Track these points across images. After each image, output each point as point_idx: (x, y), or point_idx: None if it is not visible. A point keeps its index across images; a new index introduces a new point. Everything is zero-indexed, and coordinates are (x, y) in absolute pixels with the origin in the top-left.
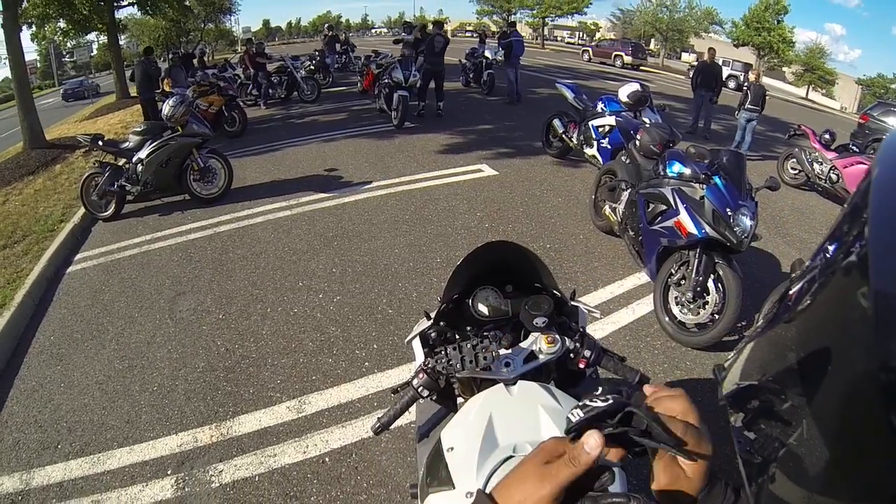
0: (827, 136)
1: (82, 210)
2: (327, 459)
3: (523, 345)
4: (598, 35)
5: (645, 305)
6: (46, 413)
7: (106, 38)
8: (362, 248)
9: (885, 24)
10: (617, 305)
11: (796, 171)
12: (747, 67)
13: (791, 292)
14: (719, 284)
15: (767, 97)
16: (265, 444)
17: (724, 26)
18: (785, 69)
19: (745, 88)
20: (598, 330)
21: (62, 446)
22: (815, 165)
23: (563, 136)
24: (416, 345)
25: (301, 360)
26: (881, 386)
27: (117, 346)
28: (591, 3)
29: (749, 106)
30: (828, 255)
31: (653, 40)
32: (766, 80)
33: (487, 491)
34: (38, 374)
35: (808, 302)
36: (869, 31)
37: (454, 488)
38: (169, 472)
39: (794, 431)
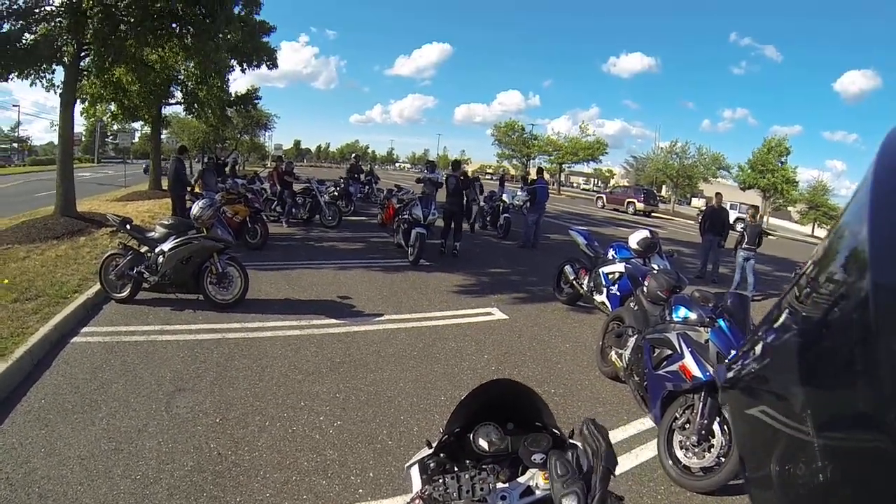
0: None
1: (98, 286)
2: None
3: (521, 480)
4: (612, 181)
5: (649, 450)
6: (20, 474)
7: (149, 129)
8: (368, 377)
9: None
10: (620, 450)
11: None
12: (754, 210)
13: (791, 292)
14: (725, 427)
15: (773, 237)
16: None
17: (730, 171)
18: (790, 208)
19: (741, 228)
20: None
21: None
22: None
23: (574, 282)
24: (415, 472)
25: (294, 478)
26: (881, 384)
27: (107, 427)
28: (606, 152)
29: (746, 245)
30: (828, 254)
31: (664, 186)
32: (772, 221)
33: None
34: (21, 433)
35: (808, 301)
36: (868, 164)
37: None
38: None
39: (794, 431)
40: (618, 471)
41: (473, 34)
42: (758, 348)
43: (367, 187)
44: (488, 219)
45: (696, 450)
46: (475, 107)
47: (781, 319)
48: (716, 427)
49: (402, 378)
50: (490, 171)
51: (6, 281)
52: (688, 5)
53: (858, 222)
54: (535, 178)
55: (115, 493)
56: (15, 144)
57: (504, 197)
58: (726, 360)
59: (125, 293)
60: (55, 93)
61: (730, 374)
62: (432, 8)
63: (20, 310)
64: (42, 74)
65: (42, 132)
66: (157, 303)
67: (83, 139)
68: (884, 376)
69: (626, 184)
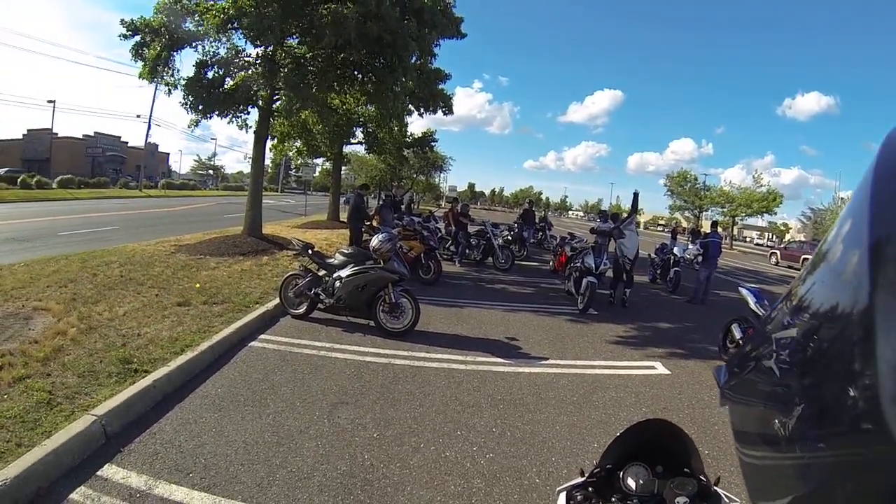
0: None
1: (277, 301)
2: None
3: None
4: (787, 236)
5: None
6: (191, 444)
7: (330, 164)
8: (525, 417)
9: None
10: None
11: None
12: None
13: (793, 290)
14: None
15: None
16: None
17: None
18: None
19: None
20: None
21: (193, 476)
22: None
23: (741, 342)
24: (562, 498)
25: (438, 498)
26: (881, 387)
27: (272, 422)
28: (781, 203)
29: None
30: (828, 253)
31: None
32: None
33: None
34: (197, 412)
35: (808, 299)
36: None
37: None
38: None
39: (793, 428)
40: None
41: (645, 81)
42: (758, 346)
43: (540, 233)
44: (658, 271)
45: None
46: (647, 155)
47: (783, 319)
48: None
49: (559, 422)
50: (662, 222)
51: (198, 285)
52: (863, 36)
53: (859, 222)
54: (709, 231)
55: (270, 479)
56: (210, 171)
57: (675, 250)
58: (725, 362)
59: (301, 310)
60: (247, 131)
61: (730, 376)
62: (602, 58)
63: (208, 312)
64: (238, 115)
65: (233, 162)
66: (330, 323)
67: (269, 170)
68: (883, 376)
69: (803, 238)
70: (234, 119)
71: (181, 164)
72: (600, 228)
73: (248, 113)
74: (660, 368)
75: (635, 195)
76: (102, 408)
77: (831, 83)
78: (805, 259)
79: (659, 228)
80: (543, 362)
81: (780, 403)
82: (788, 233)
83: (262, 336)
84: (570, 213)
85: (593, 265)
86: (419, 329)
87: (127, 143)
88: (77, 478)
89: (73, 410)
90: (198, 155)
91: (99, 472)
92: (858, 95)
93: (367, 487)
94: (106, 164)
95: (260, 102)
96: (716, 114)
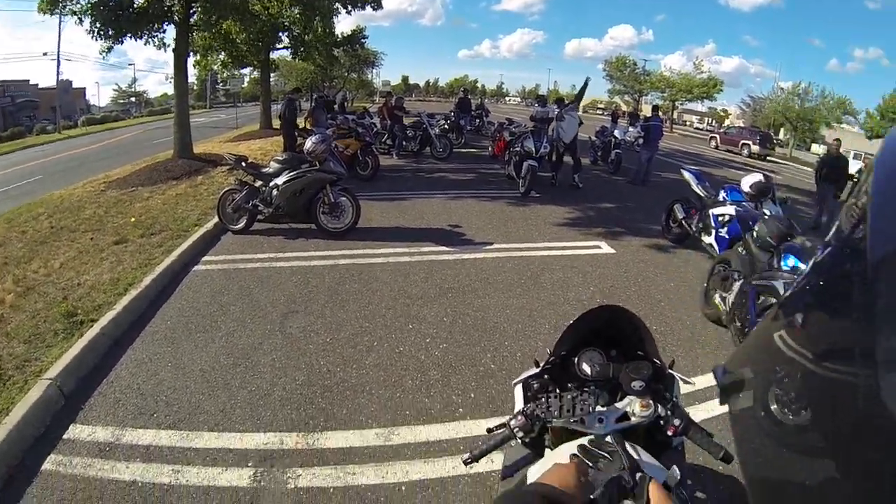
0: None
1: (216, 219)
2: (404, 488)
3: (618, 405)
4: (726, 121)
5: None
6: (150, 384)
7: (258, 73)
8: (475, 303)
9: None
10: (712, 394)
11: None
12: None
13: (792, 286)
14: None
15: None
16: (347, 462)
17: (857, 117)
18: None
19: (856, 179)
20: (693, 415)
21: (157, 416)
22: None
23: (683, 221)
24: (519, 390)
25: (398, 395)
26: (881, 384)
27: (226, 344)
28: (721, 90)
29: None
30: (829, 252)
31: (782, 129)
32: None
33: None
34: (150, 350)
35: (810, 296)
36: None
37: None
38: (249, 464)
39: (793, 423)
40: (708, 414)
41: None
42: (756, 341)
43: (477, 120)
44: (599, 153)
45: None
46: (586, 42)
47: (783, 319)
48: None
49: (509, 305)
50: (601, 106)
51: (133, 219)
52: None
53: (859, 222)
54: (650, 115)
55: (232, 402)
56: (132, 99)
57: (616, 133)
58: (724, 362)
59: (241, 224)
60: (165, 50)
61: (730, 375)
62: None
63: (146, 244)
64: (154, 34)
65: (156, 85)
66: (272, 233)
67: (195, 88)
68: (883, 375)
69: (742, 125)
70: (149, 39)
71: (100, 97)
72: (540, 115)
73: (164, 31)
74: (605, 248)
75: (586, 81)
76: (54, 369)
77: None
78: (744, 144)
79: (598, 112)
80: (489, 247)
81: (782, 400)
82: (728, 119)
83: (205, 258)
84: (508, 99)
85: (533, 149)
86: (361, 226)
87: (37, 85)
88: (44, 447)
89: (26, 380)
90: (117, 84)
91: (65, 436)
92: None
93: (326, 394)
94: (18, 113)
95: (176, 17)
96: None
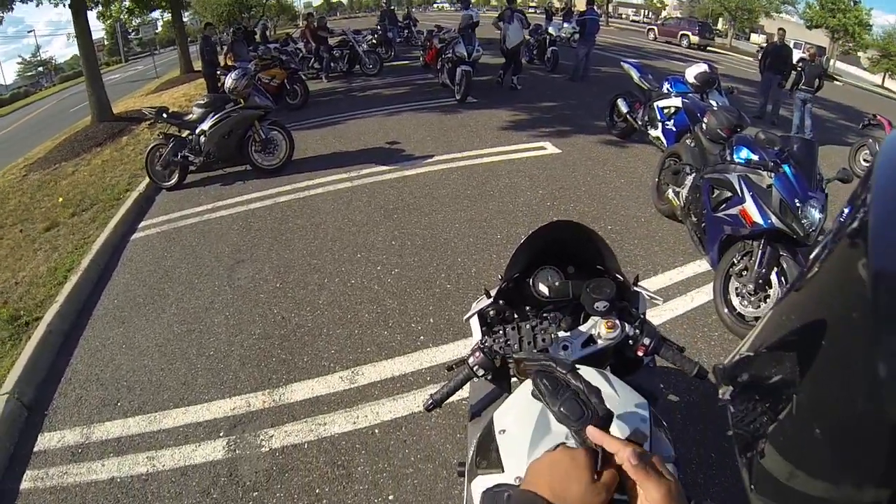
0: None
1: (147, 180)
2: (377, 431)
3: (582, 328)
4: (664, 13)
5: (704, 294)
6: (108, 372)
7: (170, 15)
8: (422, 221)
9: None
10: (675, 292)
11: (869, 164)
12: (816, 49)
13: (792, 286)
14: (782, 278)
15: (838, 82)
16: (316, 413)
17: (796, 6)
18: (860, 54)
19: (799, 68)
20: (656, 316)
21: (122, 404)
22: None
23: (628, 116)
24: (475, 323)
25: (356, 332)
26: (878, 371)
27: (177, 311)
28: None
29: (803, 86)
30: (829, 242)
31: (721, 19)
32: (839, 66)
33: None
34: (102, 335)
35: (810, 282)
36: None
37: (503, 471)
38: (221, 434)
39: (788, 408)
40: (673, 314)
41: None
42: (759, 342)
43: (406, 31)
44: (535, 52)
45: (752, 298)
46: None
47: (782, 317)
48: (773, 277)
49: (457, 219)
50: (533, 4)
51: (61, 199)
52: None
53: (859, 224)
54: (585, 8)
55: (193, 371)
56: (40, 68)
57: (550, 30)
58: (724, 362)
59: (174, 180)
60: (63, 6)
61: (731, 366)
62: None
63: (79, 222)
64: None
65: (63, 48)
66: (207, 182)
67: (106, 43)
68: (883, 377)
69: (679, 15)
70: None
71: (4, 75)
72: (465, 21)
73: None
74: (550, 148)
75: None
76: (9, 381)
77: None
78: (683, 35)
79: (531, 11)
80: (430, 160)
81: (776, 379)
82: (665, 10)
83: (142, 223)
84: (436, 5)
85: (465, 53)
86: (297, 158)
87: None
88: (19, 465)
89: None
90: (20, 56)
91: (36, 448)
92: None
93: (285, 344)
94: None
95: None
96: None
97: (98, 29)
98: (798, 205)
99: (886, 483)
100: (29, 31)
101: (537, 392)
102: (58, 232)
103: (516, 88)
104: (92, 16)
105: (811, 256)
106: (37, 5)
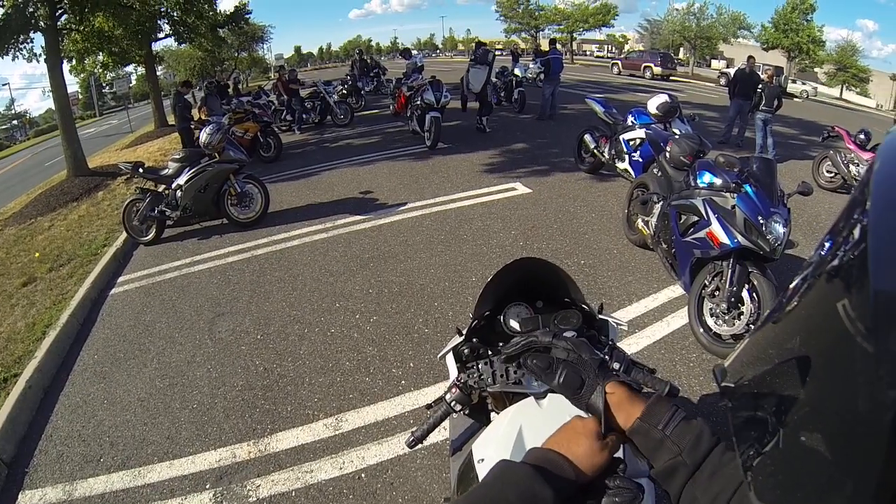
0: (862, 137)
1: (124, 235)
2: (363, 475)
3: None
4: (626, 47)
5: (679, 318)
6: (90, 428)
7: (143, 69)
8: (398, 268)
9: None
10: (651, 319)
11: (832, 175)
12: (773, 70)
13: (792, 285)
14: (754, 294)
15: (798, 99)
16: (302, 461)
17: (752, 30)
18: (817, 69)
19: (759, 90)
20: (633, 344)
21: (104, 460)
22: (852, 167)
23: (595, 150)
24: (450, 360)
25: (338, 379)
26: (880, 386)
27: (158, 365)
28: (617, 16)
29: (764, 107)
30: (826, 250)
31: (681, 49)
32: (798, 84)
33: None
34: (83, 390)
35: (808, 296)
36: None
37: None
38: (207, 487)
39: (788, 409)
40: (651, 340)
41: None
42: (756, 342)
43: (375, 80)
44: (502, 94)
45: (726, 317)
46: None
47: (783, 318)
48: (745, 294)
49: (432, 264)
50: (500, 47)
51: (38, 255)
52: None
53: (858, 225)
54: (549, 48)
55: (177, 425)
56: (15, 122)
57: (516, 71)
58: (724, 363)
59: (151, 235)
60: (38, 62)
61: (731, 366)
62: None
63: (56, 277)
64: (21, 46)
65: (38, 101)
66: (184, 236)
67: (80, 96)
68: (883, 379)
69: (642, 48)
70: (17, 54)
71: None
72: (410, 67)
73: (32, 40)
74: (520, 188)
75: (493, 55)
76: None
77: None
78: (646, 67)
79: (498, 53)
80: (403, 208)
81: (779, 397)
82: (627, 44)
83: (121, 279)
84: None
85: (433, 100)
86: (273, 210)
87: None
88: None
89: None
90: None
91: None
92: None
93: (268, 394)
94: None
95: (42, 23)
96: None
97: (72, 82)
98: (762, 221)
99: (887, 486)
100: (3, 84)
101: (532, 373)
102: (35, 287)
103: (485, 130)
104: (66, 68)
105: (804, 268)
106: (12, 59)
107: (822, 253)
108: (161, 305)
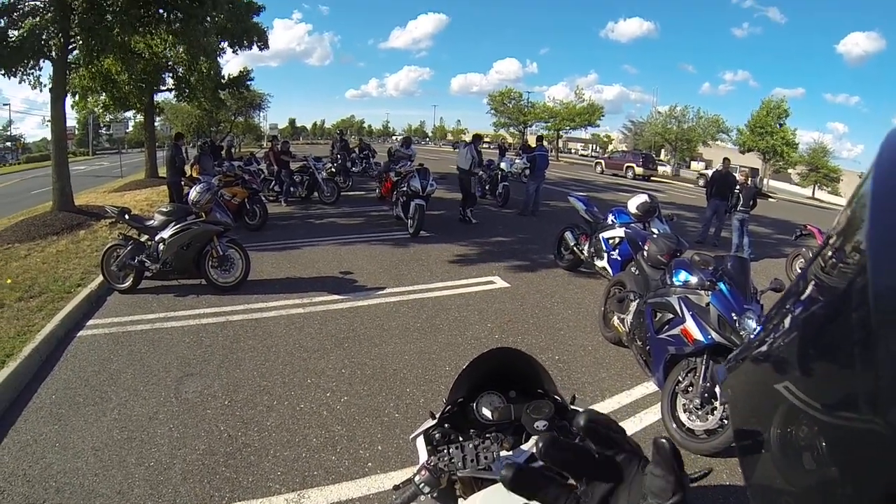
0: None
1: (100, 278)
2: None
3: (524, 447)
4: (610, 147)
5: (652, 414)
6: (37, 469)
7: (142, 117)
8: (372, 351)
9: (885, 117)
10: (624, 415)
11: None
12: (749, 171)
13: (792, 286)
14: None
15: (773, 199)
16: None
17: (730, 134)
18: (790, 170)
19: (736, 191)
20: None
21: None
22: None
23: (575, 248)
24: (420, 443)
25: (304, 455)
26: (882, 393)
27: (118, 417)
28: (603, 116)
29: (741, 207)
30: (826, 256)
31: (663, 150)
32: (772, 183)
33: None
34: (35, 429)
35: (808, 297)
36: (870, 126)
37: None
38: None
39: (788, 409)
40: (630, 431)
41: (469, 3)
42: (756, 348)
43: (364, 161)
44: (487, 187)
45: (700, 412)
46: (472, 76)
47: (782, 318)
48: (718, 390)
49: (407, 350)
50: (487, 139)
51: (9, 280)
52: None
53: (858, 225)
54: (535, 145)
55: (129, 481)
56: (8, 143)
57: (502, 165)
58: (725, 363)
59: (128, 283)
60: (41, 90)
61: (731, 367)
62: None
63: (25, 308)
64: (29, 72)
65: (34, 128)
66: (160, 290)
67: (76, 132)
68: (883, 378)
69: (625, 149)
70: (24, 77)
71: None
72: (398, 151)
73: (41, 68)
74: (499, 282)
75: (479, 150)
76: None
77: (651, 10)
78: (629, 167)
79: (485, 146)
80: (381, 292)
81: (780, 401)
82: (611, 143)
83: (91, 321)
84: (394, 137)
85: (419, 187)
86: (252, 278)
87: None
88: None
89: None
90: None
91: None
92: (676, 21)
93: (230, 462)
94: None
95: (53, 53)
96: (540, 35)
97: (71, 117)
98: (735, 318)
99: (885, 486)
100: (4, 105)
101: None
102: (1, 314)
103: (470, 222)
104: (67, 104)
105: (800, 277)
106: (19, 82)
107: (822, 254)
108: (129, 356)
